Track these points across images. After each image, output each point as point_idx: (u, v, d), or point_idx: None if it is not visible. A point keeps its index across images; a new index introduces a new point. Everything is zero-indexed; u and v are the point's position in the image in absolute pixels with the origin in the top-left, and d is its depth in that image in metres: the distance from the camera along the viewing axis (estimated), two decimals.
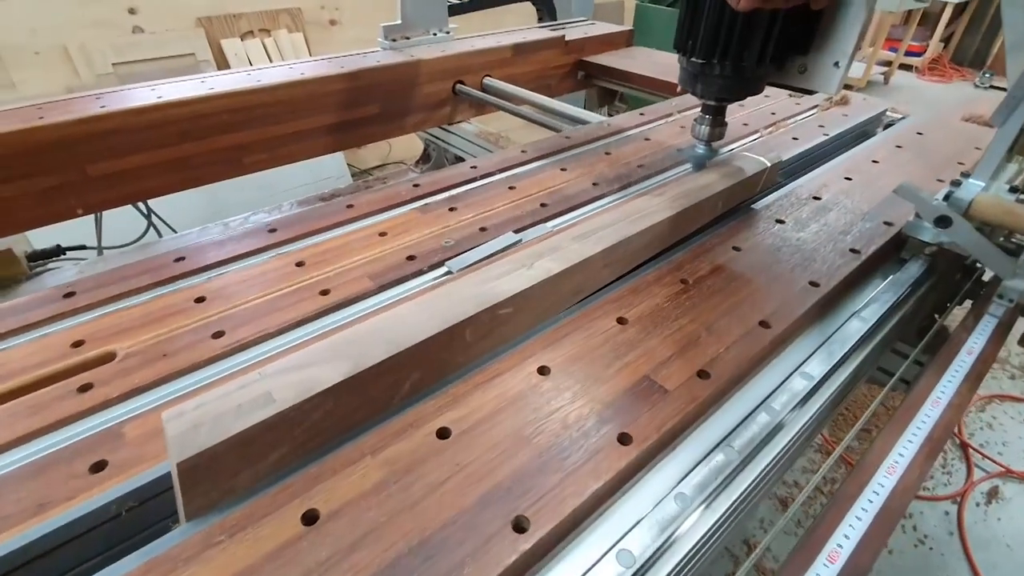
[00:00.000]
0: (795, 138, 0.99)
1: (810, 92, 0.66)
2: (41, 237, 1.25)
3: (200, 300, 0.58)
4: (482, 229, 0.71)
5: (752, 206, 0.77)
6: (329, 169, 2.60)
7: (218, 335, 0.54)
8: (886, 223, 0.72)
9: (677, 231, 0.66)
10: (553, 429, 0.43)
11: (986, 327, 0.62)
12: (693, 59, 0.64)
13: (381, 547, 0.35)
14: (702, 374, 0.49)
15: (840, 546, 0.38)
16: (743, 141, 1.00)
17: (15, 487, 0.40)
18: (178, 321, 0.55)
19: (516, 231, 0.71)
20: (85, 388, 0.47)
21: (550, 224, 0.73)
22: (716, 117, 0.72)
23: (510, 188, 0.82)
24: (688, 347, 0.52)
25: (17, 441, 0.43)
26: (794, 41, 0.63)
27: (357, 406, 0.42)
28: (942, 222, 0.63)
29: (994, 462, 1.39)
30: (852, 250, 0.67)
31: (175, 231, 1.81)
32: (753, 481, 0.44)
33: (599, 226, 0.59)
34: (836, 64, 0.62)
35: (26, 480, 0.40)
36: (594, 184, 0.83)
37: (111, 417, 0.46)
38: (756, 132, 1.03)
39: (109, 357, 0.51)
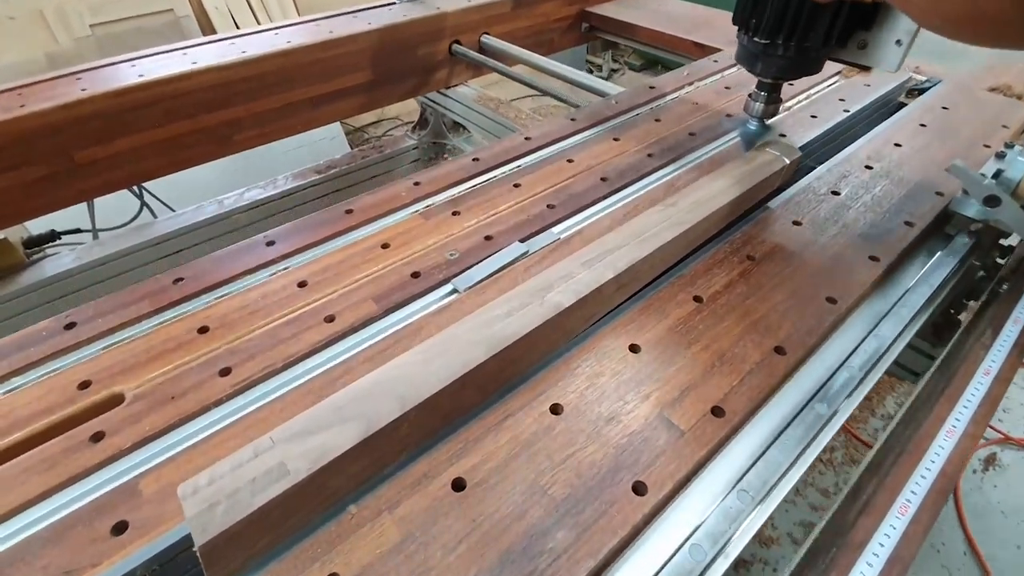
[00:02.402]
0: (814, 116, 0.94)
1: (867, 68, 0.65)
2: (35, 221, 1.22)
3: (203, 331, 0.57)
4: (487, 238, 0.69)
5: (768, 204, 0.74)
6: (321, 129, 2.51)
7: (225, 372, 0.53)
8: (907, 223, 0.69)
9: (690, 244, 0.63)
10: (567, 479, 0.43)
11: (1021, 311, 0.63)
12: (756, 38, 0.64)
13: None
14: (716, 411, 0.48)
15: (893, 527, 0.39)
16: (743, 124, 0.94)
17: (40, 552, 0.40)
18: (183, 356, 0.55)
19: (522, 240, 0.68)
20: (98, 437, 0.47)
21: (557, 230, 0.71)
22: (772, 95, 0.73)
23: (515, 186, 0.78)
24: (702, 380, 0.51)
25: (36, 499, 0.44)
26: (859, 18, 0.62)
27: (369, 464, 0.42)
28: (991, 201, 0.64)
29: (993, 428, 1.43)
30: (872, 257, 0.64)
31: (172, 209, 1.78)
32: (764, 520, 0.44)
33: (609, 247, 0.57)
34: (898, 42, 0.62)
35: (49, 544, 0.41)
36: (603, 179, 0.79)
37: (126, 468, 0.46)
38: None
39: (118, 400, 0.51)
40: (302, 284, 0.63)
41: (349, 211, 0.74)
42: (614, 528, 0.40)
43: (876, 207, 0.72)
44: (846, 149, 0.85)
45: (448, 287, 0.63)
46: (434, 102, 1.69)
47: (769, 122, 0.89)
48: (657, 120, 0.94)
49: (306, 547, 0.40)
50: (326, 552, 0.39)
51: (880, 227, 0.69)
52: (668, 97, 1.02)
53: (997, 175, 0.66)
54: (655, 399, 0.49)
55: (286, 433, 0.40)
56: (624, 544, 0.41)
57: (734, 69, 1.13)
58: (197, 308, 0.60)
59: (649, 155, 0.84)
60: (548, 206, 0.74)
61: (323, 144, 2.52)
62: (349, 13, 1.44)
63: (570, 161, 0.84)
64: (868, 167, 0.81)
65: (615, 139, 0.89)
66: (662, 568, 0.40)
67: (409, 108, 3.01)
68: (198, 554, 0.35)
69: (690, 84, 1.06)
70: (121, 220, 1.57)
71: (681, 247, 0.62)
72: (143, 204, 1.58)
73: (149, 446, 0.47)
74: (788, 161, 0.71)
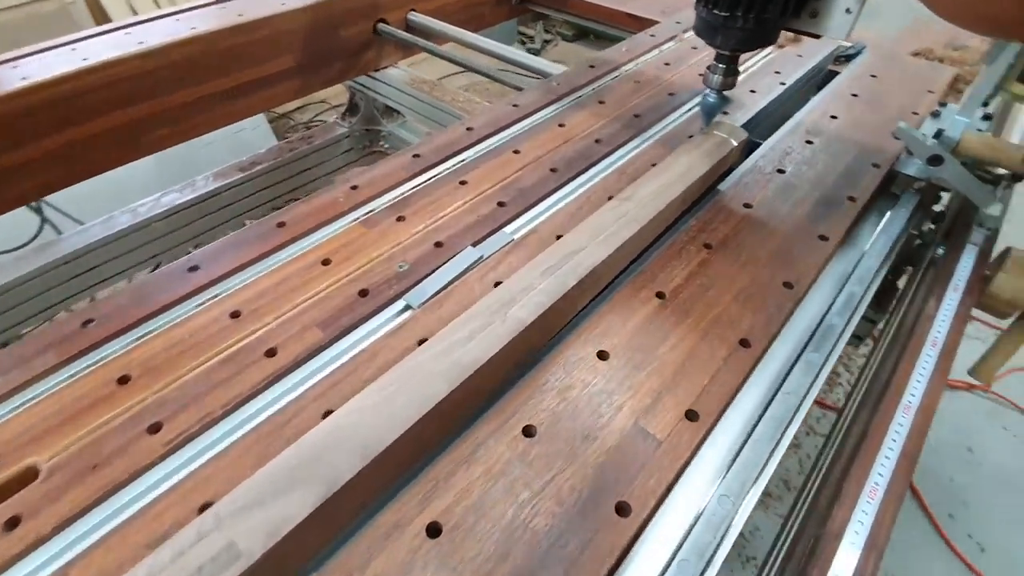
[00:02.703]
0: (753, 91, 0.94)
1: (817, 36, 0.68)
2: None
3: (124, 381, 0.50)
4: (437, 244, 0.64)
5: (719, 187, 0.73)
6: (242, 120, 2.32)
7: (154, 428, 0.47)
8: (850, 198, 0.71)
9: (648, 238, 0.62)
10: (548, 508, 0.41)
11: (969, 255, 0.68)
12: (716, 11, 0.65)
13: None
14: (690, 415, 0.48)
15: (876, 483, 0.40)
16: (703, 97, 0.94)
17: None
18: (102, 413, 0.48)
19: (475, 244, 0.65)
20: (13, 523, 0.41)
21: (510, 229, 0.67)
22: (730, 67, 0.75)
23: (461, 183, 0.74)
24: (674, 381, 0.50)
25: None
26: None
27: (331, 527, 0.38)
28: (935, 161, 0.68)
29: None
30: (821, 236, 0.65)
31: (79, 222, 1.60)
32: (744, 521, 0.44)
33: (569, 251, 0.54)
34: (848, 10, 0.64)
35: None
36: (552, 171, 0.76)
37: (49, 558, 0.40)
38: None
39: (31, 475, 0.44)
40: (235, 314, 0.56)
41: (281, 224, 0.67)
42: (601, 557, 0.39)
43: (820, 183, 0.73)
44: (786, 124, 0.86)
45: (400, 303, 0.58)
46: (363, 86, 1.59)
47: (696, 104, 0.89)
48: (601, 102, 0.91)
49: None
50: None
51: (826, 204, 0.70)
52: (609, 76, 0.99)
53: (938, 135, 0.69)
54: (629, 409, 0.48)
55: (232, 506, 0.35)
56: (612, 571, 0.39)
57: (672, 43, 1.12)
58: (114, 354, 0.53)
59: (597, 141, 0.82)
60: (498, 204, 0.70)
61: (245, 135, 2.33)
62: None
63: (516, 152, 0.80)
64: (809, 142, 0.82)
65: (560, 125, 0.85)
66: None
67: (336, 90, 2.83)
68: None
69: (630, 61, 1.04)
70: (19, 240, 1.40)
71: (640, 243, 0.60)
72: (43, 220, 1.41)
73: (74, 527, 0.41)
74: (736, 143, 0.70)
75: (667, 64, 1.03)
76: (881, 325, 0.78)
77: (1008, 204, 0.73)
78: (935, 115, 0.73)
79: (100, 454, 0.45)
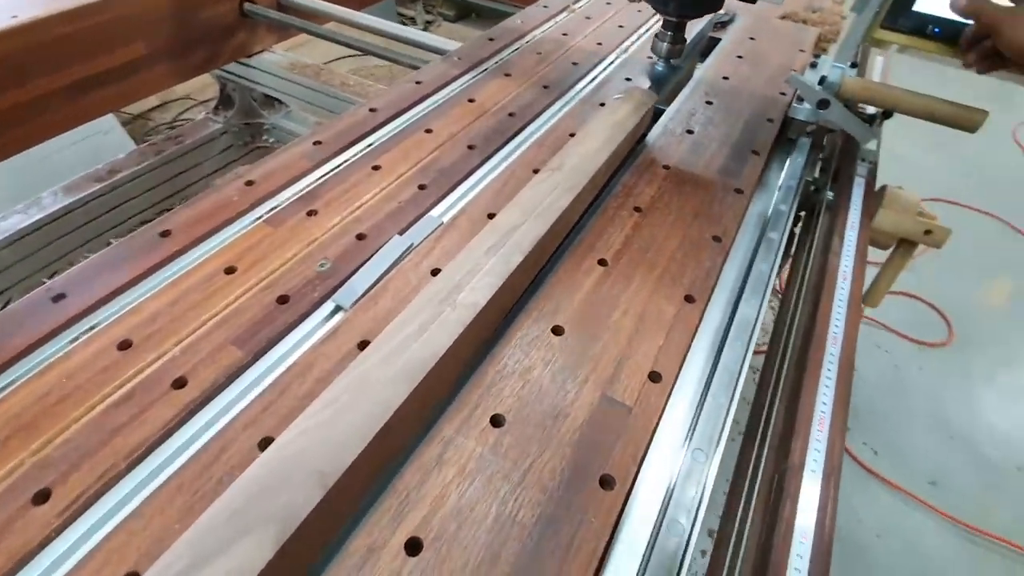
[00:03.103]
0: (650, 56, 0.96)
1: (753, 1, 0.78)
2: None
3: None
4: (359, 237, 0.59)
5: (636, 152, 0.74)
6: (91, 124, 1.99)
7: (41, 498, 0.37)
8: (754, 152, 0.75)
9: (582, 207, 0.61)
10: (533, 497, 0.39)
11: (858, 186, 0.75)
12: None
13: None
14: (653, 377, 0.47)
15: (805, 525, 0.41)
16: (605, 65, 0.94)
17: None
18: None
19: (401, 232, 0.60)
20: None
21: (437, 213, 0.63)
22: (677, 34, 0.75)
23: (374, 169, 0.68)
24: (631, 347, 0.49)
25: None
26: None
27: (295, 568, 0.33)
28: (822, 105, 0.74)
29: None
30: (737, 190, 0.68)
31: None
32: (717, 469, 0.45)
33: (508, 227, 0.51)
34: None
35: None
36: (470, 147, 0.72)
37: None
38: (612, 51, 0.98)
39: None
40: (125, 345, 0.47)
41: (166, 233, 0.57)
42: (596, 534, 0.37)
43: (726, 141, 0.77)
44: (686, 88, 0.89)
45: (329, 306, 0.52)
46: (235, 75, 1.42)
47: (599, 72, 0.89)
48: (507, 75, 0.88)
49: None
50: None
51: (735, 159, 0.73)
52: (510, 49, 0.97)
53: (822, 81, 0.75)
54: (594, 381, 0.46)
55: (167, 573, 0.29)
56: (608, 544, 0.38)
57: (565, 14, 1.11)
58: None
59: (511, 114, 0.79)
60: (419, 187, 0.66)
61: (94, 141, 2.01)
62: None
63: (429, 131, 0.75)
64: (709, 102, 0.85)
65: (470, 100, 0.81)
66: (648, 553, 0.38)
67: (201, 83, 2.54)
68: None
69: (528, 33, 1.02)
70: None
71: (577, 211, 0.59)
72: None
73: None
74: (651, 103, 0.71)
75: (565, 34, 1.02)
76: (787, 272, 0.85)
77: (880, 140, 0.81)
78: (813, 66, 0.80)
79: None
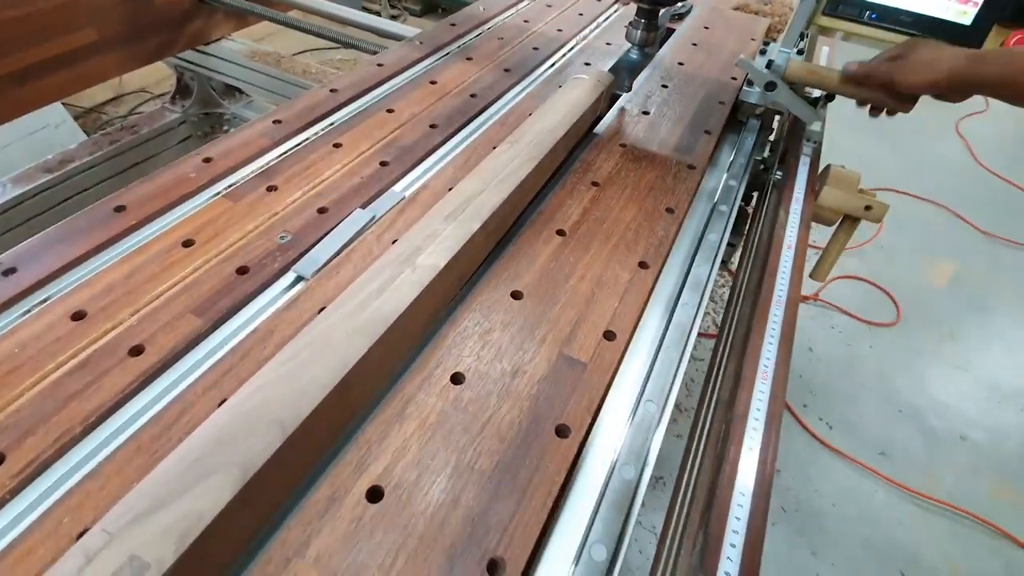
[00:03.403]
0: (608, 43, 0.99)
1: None
2: None
3: None
4: (321, 211, 0.59)
5: (595, 131, 0.76)
6: (39, 117, 1.91)
7: None
8: (706, 131, 0.78)
9: (543, 177, 0.62)
10: (491, 447, 0.40)
11: (804, 164, 0.78)
12: None
13: None
14: (608, 335, 0.49)
15: (749, 463, 0.44)
16: (565, 50, 0.96)
17: None
18: None
19: (363, 206, 0.60)
20: None
21: (399, 188, 0.64)
22: (651, 22, 0.76)
23: (335, 147, 0.68)
24: (588, 309, 0.51)
25: None
26: None
27: (255, 517, 0.34)
28: (770, 87, 0.77)
29: None
30: (689, 166, 0.71)
31: None
32: (667, 421, 0.47)
33: (468, 195, 0.52)
34: None
35: None
36: (432, 126, 0.73)
37: None
38: (572, 38, 1.00)
39: None
40: (79, 315, 0.46)
41: (120, 208, 0.56)
42: (551, 478, 0.39)
43: (680, 121, 0.80)
44: (643, 73, 0.92)
45: (290, 276, 0.52)
46: (193, 63, 1.39)
47: (559, 58, 0.91)
48: (469, 58, 0.90)
49: None
50: None
51: (687, 138, 0.76)
52: (472, 34, 0.98)
53: (769, 65, 0.78)
54: (551, 340, 0.48)
55: (124, 517, 0.29)
56: (563, 487, 0.40)
57: (526, 2, 1.13)
58: None
59: (472, 95, 0.80)
60: (381, 163, 0.66)
61: (45, 135, 1.93)
62: None
63: (390, 111, 0.75)
64: (664, 86, 0.88)
65: (432, 82, 0.82)
66: (602, 497, 0.40)
67: (157, 77, 2.46)
68: None
69: (490, 20, 1.03)
70: None
71: (536, 182, 0.60)
72: None
73: None
74: (606, 85, 0.73)
75: (526, 21, 1.04)
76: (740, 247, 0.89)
77: (825, 121, 0.85)
78: (763, 52, 0.83)
79: None
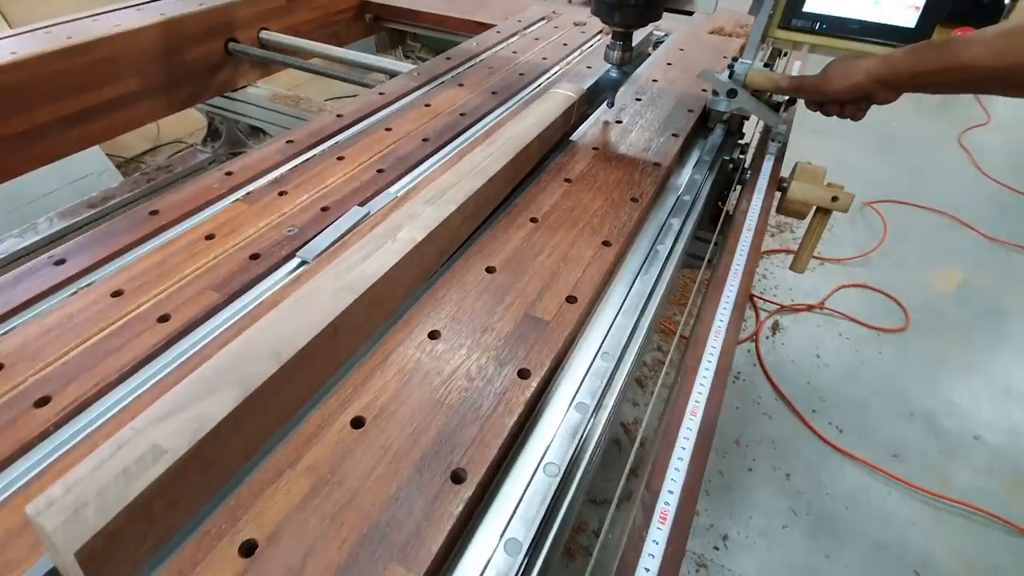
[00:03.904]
0: (589, 67, 1.09)
1: (690, 13, 0.83)
2: None
3: None
4: (324, 209, 0.68)
5: (570, 138, 0.84)
6: (84, 165, 2.11)
7: (42, 402, 0.45)
8: (674, 134, 0.86)
9: (516, 173, 0.70)
10: (460, 386, 0.46)
11: (768, 160, 0.84)
12: None
13: (334, 548, 0.36)
14: (570, 299, 0.56)
15: (697, 402, 0.49)
16: (549, 74, 1.06)
17: None
18: None
19: (361, 204, 0.69)
20: None
21: (393, 189, 0.72)
22: (626, 43, 0.83)
23: (339, 159, 0.77)
24: (553, 279, 0.58)
25: None
26: None
27: (253, 434, 0.40)
28: (731, 94, 0.85)
29: (772, 303, 1.82)
30: (655, 163, 0.78)
31: None
32: (626, 374, 0.53)
33: (446, 185, 0.60)
34: None
35: None
36: (424, 140, 0.82)
37: None
38: (556, 64, 1.10)
39: None
40: (117, 293, 0.55)
41: (154, 212, 0.66)
42: (511, 410, 0.45)
43: (650, 128, 0.88)
44: (619, 89, 1.01)
45: (295, 261, 0.61)
46: (222, 109, 1.54)
47: (544, 81, 1.01)
48: (461, 85, 1.00)
49: (208, 528, 0.37)
50: (232, 524, 0.37)
51: (656, 141, 0.84)
52: (465, 65, 1.09)
53: (731, 75, 0.86)
54: (519, 304, 0.55)
55: (150, 418, 0.36)
56: (524, 420, 0.45)
57: (515, 38, 1.24)
58: None
59: (462, 114, 0.90)
60: (378, 171, 0.75)
61: (89, 181, 2.12)
62: (87, 18, 1.24)
63: (388, 129, 0.85)
64: (638, 99, 0.97)
65: (427, 105, 0.92)
66: (559, 427, 0.45)
67: (191, 129, 2.68)
68: (76, 563, 0.30)
69: (482, 53, 1.14)
70: None
71: (509, 177, 0.68)
72: None
73: None
74: (576, 97, 0.82)
75: (515, 52, 1.15)
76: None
77: (792, 123, 0.92)
78: (729, 68, 0.91)
79: None
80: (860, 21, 0.80)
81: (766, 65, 0.99)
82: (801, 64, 1.18)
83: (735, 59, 1.00)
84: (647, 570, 0.36)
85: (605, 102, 0.92)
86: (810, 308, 1.83)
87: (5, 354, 0.48)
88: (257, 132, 1.67)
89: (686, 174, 0.82)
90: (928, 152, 2.68)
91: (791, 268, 0.96)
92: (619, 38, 0.84)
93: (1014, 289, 1.91)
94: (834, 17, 0.82)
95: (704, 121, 0.94)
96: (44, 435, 0.43)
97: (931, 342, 1.72)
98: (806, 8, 0.84)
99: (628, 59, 0.86)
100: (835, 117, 0.80)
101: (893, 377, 1.60)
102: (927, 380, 1.60)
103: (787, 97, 0.93)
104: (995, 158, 2.62)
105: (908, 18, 0.77)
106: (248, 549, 0.36)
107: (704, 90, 1.00)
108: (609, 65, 0.88)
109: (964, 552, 1.20)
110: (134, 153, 2.56)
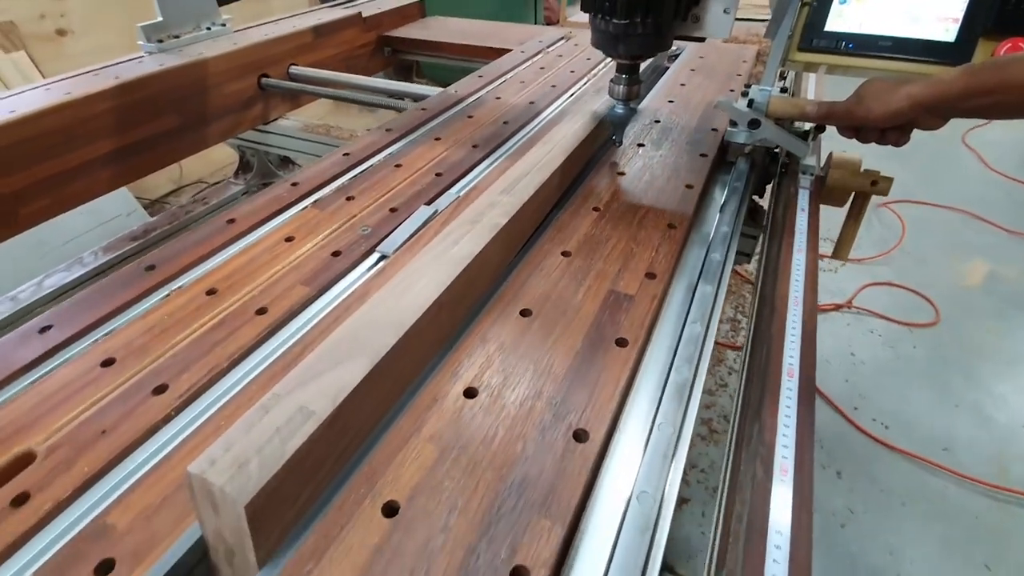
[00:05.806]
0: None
1: (702, 39, 0.72)
2: None
3: (108, 363, 0.48)
4: (392, 210, 0.70)
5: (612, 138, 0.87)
6: (112, 207, 2.17)
7: (159, 390, 0.46)
8: (702, 155, 0.88)
9: (573, 170, 0.73)
10: (563, 358, 0.48)
11: (804, 199, 0.81)
12: (614, 20, 0.63)
13: (476, 504, 0.36)
14: (649, 275, 0.57)
15: (791, 364, 0.49)
16: (559, 101, 1.07)
17: None
18: (91, 393, 0.46)
19: (428, 203, 0.71)
20: (21, 500, 0.38)
21: (454, 190, 0.75)
22: (632, 76, 0.74)
23: (397, 167, 0.80)
24: (627, 259, 0.59)
25: None
26: None
27: (381, 400, 0.41)
28: (753, 124, 0.79)
29: None
30: (688, 186, 0.81)
31: None
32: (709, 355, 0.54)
33: (516, 176, 0.63)
34: (725, 11, 0.68)
35: None
36: (474, 147, 0.85)
37: (82, 513, 0.37)
38: (567, 90, 1.13)
39: (27, 459, 0.41)
40: (211, 291, 0.57)
41: (231, 221, 0.68)
42: (616, 377, 0.46)
43: (675, 148, 0.89)
44: (644, 100, 1.04)
45: (375, 255, 0.62)
46: (253, 142, 1.60)
47: (554, 107, 1.04)
48: (498, 98, 1.04)
49: (347, 492, 0.37)
50: (371, 488, 0.37)
51: (685, 161, 0.83)
52: (498, 81, 1.13)
53: (751, 104, 0.79)
54: (600, 282, 0.56)
55: (289, 385, 0.37)
56: (628, 384, 0.46)
57: (524, 66, 1.28)
58: (85, 348, 0.51)
59: (504, 123, 0.94)
60: (436, 175, 0.78)
61: (118, 222, 2.17)
62: (133, 60, 1.30)
63: (437, 139, 0.88)
64: (656, 121, 0.98)
65: (469, 116, 0.96)
66: (665, 384, 0.46)
67: (212, 169, 2.75)
68: (240, 523, 0.31)
69: (510, 71, 1.19)
70: None
71: (569, 172, 0.70)
72: None
73: (97, 486, 0.39)
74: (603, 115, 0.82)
75: (522, 82, 1.17)
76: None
77: (820, 151, 0.91)
78: (744, 94, 0.83)
79: (104, 423, 0.43)
80: (892, 37, 0.72)
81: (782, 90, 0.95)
82: (817, 85, 1.20)
83: (748, 86, 0.95)
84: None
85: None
86: (838, 308, 1.83)
87: (112, 351, 0.50)
88: (287, 162, 1.72)
89: (720, 195, 0.85)
90: (935, 152, 2.73)
91: (833, 255, 0.97)
92: (624, 71, 0.74)
93: None
94: (861, 35, 0.74)
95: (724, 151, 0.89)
96: (167, 419, 0.44)
97: (965, 335, 1.71)
98: (828, 28, 0.76)
99: (635, 93, 0.76)
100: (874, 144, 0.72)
101: (932, 371, 1.59)
102: (967, 372, 1.58)
103: (812, 124, 0.84)
104: (1003, 155, 2.66)
105: (946, 32, 0.69)
106: (391, 510, 0.36)
107: (732, 90, 1.03)
108: (614, 102, 0.77)
109: None
110: (159, 194, 2.63)
